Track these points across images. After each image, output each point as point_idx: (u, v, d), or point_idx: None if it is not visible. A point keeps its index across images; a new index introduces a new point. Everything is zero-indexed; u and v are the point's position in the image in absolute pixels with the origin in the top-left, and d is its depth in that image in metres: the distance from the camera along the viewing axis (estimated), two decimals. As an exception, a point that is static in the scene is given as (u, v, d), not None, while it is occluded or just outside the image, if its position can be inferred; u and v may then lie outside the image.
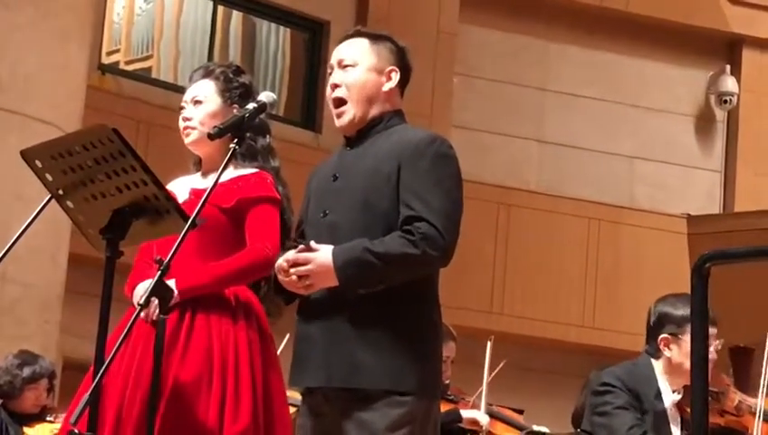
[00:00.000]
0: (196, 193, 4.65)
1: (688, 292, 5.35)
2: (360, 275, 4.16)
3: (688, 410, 5.30)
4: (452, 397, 7.31)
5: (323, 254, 4.17)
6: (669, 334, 5.33)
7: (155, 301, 4.15)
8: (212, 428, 4.45)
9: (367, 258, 4.15)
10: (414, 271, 4.23)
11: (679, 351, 5.30)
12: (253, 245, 4.63)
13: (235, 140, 4.38)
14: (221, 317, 4.59)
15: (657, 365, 5.33)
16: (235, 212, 4.64)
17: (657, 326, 5.38)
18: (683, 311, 5.33)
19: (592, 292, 13.54)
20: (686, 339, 5.27)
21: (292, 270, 4.20)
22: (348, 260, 4.15)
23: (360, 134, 4.42)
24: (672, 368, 5.32)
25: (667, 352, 5.33)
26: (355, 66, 4.42)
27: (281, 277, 4.24)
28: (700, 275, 2.98)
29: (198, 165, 4.90)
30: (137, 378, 4.47)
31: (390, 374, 4.19)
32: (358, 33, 4.52)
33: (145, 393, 4.42)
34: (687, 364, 5.26)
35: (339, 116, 4.42)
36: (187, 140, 4.85)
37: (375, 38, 4.48)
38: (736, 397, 5.59)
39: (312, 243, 4.20)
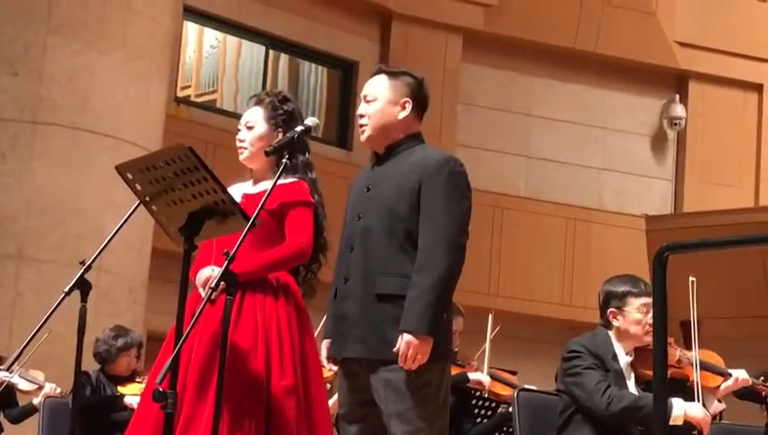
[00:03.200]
0: (246, 197, 4.62)
1: (643, 276, 5.39)
2: (434, 319, 4.13)
3: (639, 368, 5.30)
4: (460, 362, 7.27)
5: (405, 339, 4.11)
6: (615, 308, 5.29)
7: (219, 285, 4.13)
8: (260, 382, 4.45)
9: (426, 304, 4.12)
10: (457, 275, 4.22)
11: (624, 320, 5.26)
12: (290, 239, 4.60)
13: (287, 155, 4.39)
14: (265, 296, 4.57)
15: (611, 334, 5.30)
16: (277, 213, 4.60)
17: (605, 303, 5.34)
18: (623, 288, 5.31)
19: (569, 277, 13.51)
20: (628, 310, 5.24)
21: (402, 364, 4.12)
22: (419, 320, 4.11)
23: (386, 153, 4.41)
24: (621, 335, 5.28)
25: (615, 323, 5.28)
26: (375, 100, 4.41)
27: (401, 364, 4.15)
28: (660, 262, 2.95)
29: (251, 174, 4.90)
30: (197, 345, 4.47)
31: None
32: (380, 71, 4.51)
33: (202, 356, 4.44)
34: (632, 330, 5.25)
35: (362, 133, 4.43)
36: (240, 157, 4.83)
37: (394, 75, 4.46)
38: (677, 352, 5.56)
39: (400, 347, 4.12)
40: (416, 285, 4.13)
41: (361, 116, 4.42)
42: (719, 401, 5.70)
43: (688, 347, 5.72)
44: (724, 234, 10.07)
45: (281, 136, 4.72)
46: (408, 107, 4.41)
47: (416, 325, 4.09)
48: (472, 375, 7.19)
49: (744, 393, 6.20)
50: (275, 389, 4.46)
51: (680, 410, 5.05)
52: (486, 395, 7.33)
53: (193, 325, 3.92)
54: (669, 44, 14.26)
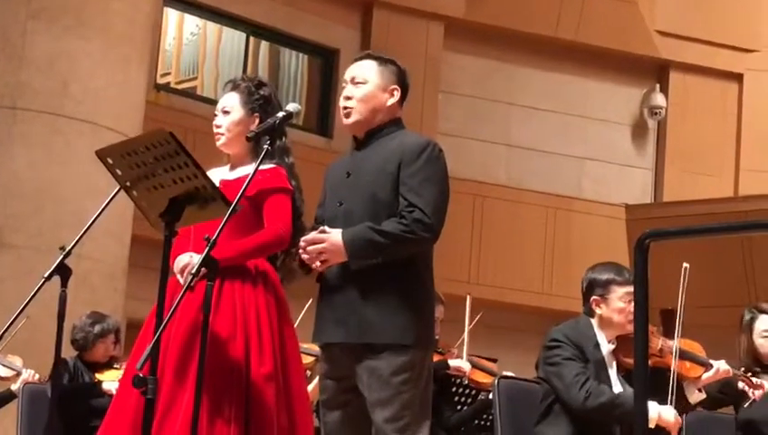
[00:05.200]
0: (224, 183, 4.59)
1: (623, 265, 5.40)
2: (364, 249, 4.18)
3: (621, 356, 5.31)
4: (441, 350, 7.29)
5: (335, 234, 4.19)
6: (598, 296, 5.30)
7: (200, 271, 4.12)
8: (239, 369, 4.44)
9: (369, 235, 4.18)
10: (407, 247, 4.23)
11: (607, 308, 5.26)
12: (269, 226, 4.59)
13: (267, 141, 4.38)
14: (244, 284, 4.57)
15: (593, 322, 5.30)
16: (255, 200, 4.59)
17: (588, 291, 5.34)
18: (606, 276, 5.31)
19: (549, 266, 13.54)
20: (611, 298, 5.25)
21: (309, 248, 4.21)
22: (354, 238, 4.18)
23: (366, 138, 4.42)
24: (604, 323, 5.28)
25: (598, 311, 5.28)
26: (365, 83, 4.42)
27: (301, 253, 4.25)
28: (641, 249, 2.95)
29: (229, 159, 4.87)
30: (176, 331, 4.46)
31: (394, 331, 4.20)
32: (368, 56, 4.53)
33: (180, 342, 4.43)
34: (615, 318, 5.26)
35: (346, 117, 4.44)
36: (218, 143, 4.82)
37: (382, 61, 4.49)
38: (659, 341, 5.58)
39: (325, 227, 4.21)
40: (384, 224, 4.19)
41: (348, 98, 4.43)
42: (700, 390, 5.72)
43: (669, 336, 5.73)
44: (704, 223, 10.09)
45: (257, 121, 4.72)
46: (397, 94, 4.45)
47: (350, 238, 4.17)
48: (452, 362, 7.22)
49: (714, 398, 6.23)
50: (254, 375, 4.46)
51: (654, 413, 5.07)
52: (466, 382, 7.35)
53: (173, 312, 3.91)
54: (650, 34, 14.27)
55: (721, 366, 5.71)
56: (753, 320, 6.30)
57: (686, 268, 5.52)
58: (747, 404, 6.01)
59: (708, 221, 11.23)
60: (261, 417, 4.42)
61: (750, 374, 6.10)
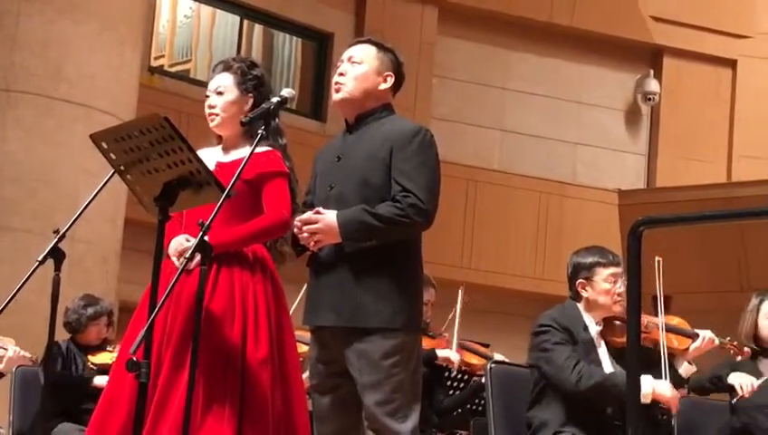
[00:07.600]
0: (221, 166, 4.60)
1: (615, 251, 5.43)
2: (358, 231, 4.21)
3: (608, 337, 5.33)
4: (431, 333, 7.28)
5: (329, 215, 4.22)
6: (584, 279, 5.34)
7: (194, 256, 4.14)
8: (235, 353, 4.45)
9: (364, 218, 4.21)
10: (401, 232, 4.26)
11: (593, 290, 5.31)
12: (270, 210, 4.58)
13: (262, 126, 4.38)
14: (242, 270, 4.56)
15: (580, 305, 5.34)
16: (253, 183, 4.58)
17: (574, 274, 5.38)
18: (591, 259, 5.36)
19: (542, 251, 13.54)
20: (597, 280, 5.30)
21: (304, 228, 4.23)
22: (349, 219, 4.21)
23: (357, 121, 4.45)
24: (590, 305, 5.32)
25: (584, 293, 5.33)
26: (361, 64, 4.46)
27: (296, 232, 4.27)
28: (635, 236, 2.97)
29: (219, 140, 4.84)
30: (174, 315, 4.46)
31: (384, 315, 4.23)
32: (369, 41, 4.57)
33: (181, 326, 4.43)
34: (601, 300, 5.31)
35: (336, 92, 4.47)
36: (211, 124, 4.79)
37: (381, 48, 4.54)
38: (644, 319, 5.60)
39: (320, 208, 4.24)
40: (378, 207, 4.22)
41: (341, 75, 4.45)
42: (689, 363, 5.73)
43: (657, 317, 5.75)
44: (697, 209, 10.11)
45: (251, 101, 4.71)
46: (390, 81, 4.49)
47: (344, 220, 4.20)
48: (440, 352, 7.16)
49: (699, 386, 6.27)
50: (250, 360, 4.46)
51: (648, 387, 5.08)
52: (455, 372, 7.31)
53: (167, 295, 3.91)
54: (644, 19, 14.27)
55: (707, 335, 5.72)
56: (761, 302, 6.39)
57: (659, 261, 5.56)
58: (736, 399, 6.06)
59: (701, 207, 11.24)
60: (256, 401, 4.43)
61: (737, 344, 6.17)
